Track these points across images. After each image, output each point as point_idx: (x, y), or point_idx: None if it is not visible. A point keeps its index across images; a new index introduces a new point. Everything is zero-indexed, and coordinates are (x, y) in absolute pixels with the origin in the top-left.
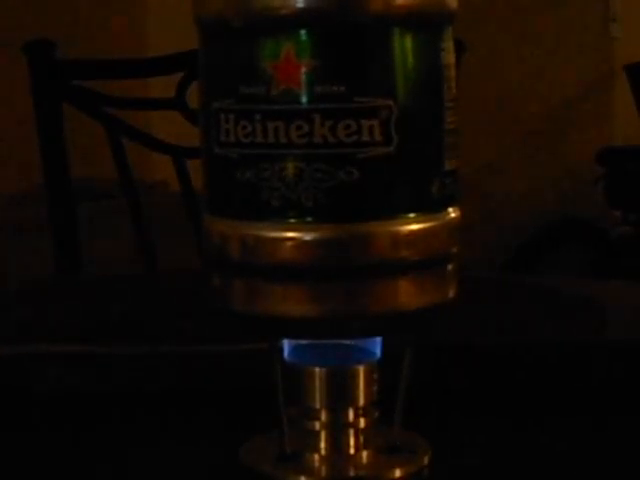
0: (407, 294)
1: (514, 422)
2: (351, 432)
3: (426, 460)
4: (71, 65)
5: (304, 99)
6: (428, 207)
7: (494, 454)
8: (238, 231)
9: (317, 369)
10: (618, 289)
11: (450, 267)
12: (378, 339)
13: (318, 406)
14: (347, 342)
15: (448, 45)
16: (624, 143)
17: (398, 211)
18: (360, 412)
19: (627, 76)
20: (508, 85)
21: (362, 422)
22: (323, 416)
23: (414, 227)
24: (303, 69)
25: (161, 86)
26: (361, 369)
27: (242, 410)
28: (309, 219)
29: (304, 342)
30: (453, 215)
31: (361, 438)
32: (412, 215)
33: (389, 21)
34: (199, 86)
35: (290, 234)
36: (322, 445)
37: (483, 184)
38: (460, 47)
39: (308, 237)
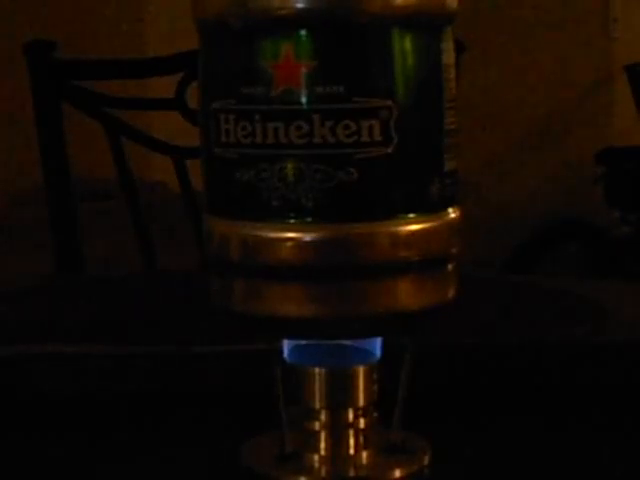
0: (407, 294)
1: (514, 421)
2: (351, 432)
3: (426, 460)
4: (71, 65)
5: (304, 99)
6: (428, 207)
7: (494, 454)
8: (238, 231)
9: (317, 369)
10: (618, 289)
11: (450, 267)
12: (378, 339)
13: (318, 406)
14: (347, 342)
15: (448, 45)
16: (624, 143)
17: (398, 211)
18: (360, 412)
19: (627, 76)
20: (508, 85)
21: (362, 422)
22: (323, 416)
23: (414, 227)
24: (303, 69)
25: (161, 86)
26: (361, 369)
27: (242, 410)
28: (309, 219)
29: (304, 342)
30: (453, 215)
31: (361, 438)
32: (412, 215)
33: (389, 21)
34: (199, 86)
35: (290, 234)
36: (322, 445)
37: (483, 184)
38: (460, 47)
39: (308, 237)
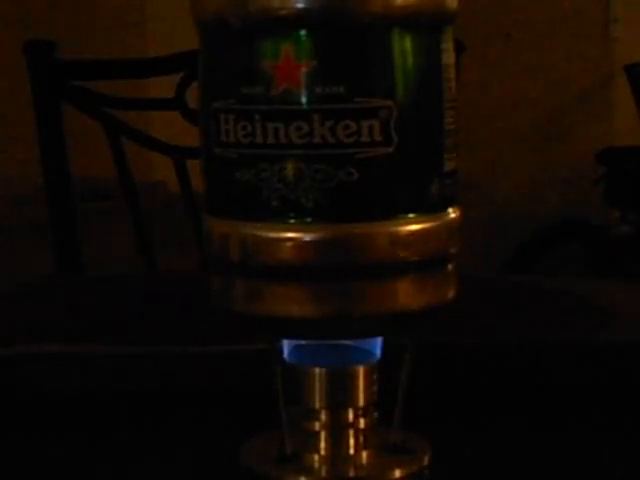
0: (407, 294)
1: (514, 421)
2: (351, 432)
3: (426, 460)
4: (71, 65)
5: (304, 99)
6: (428, 207)
7: (494, 454)
8: (238, 231)
9: (317, 369)
10: (618, 289)
11: (450, 267)
12: (378, 339)
13: (318, 406)
14: (347, 342)
15: (448, 45)
16: (624, 143)
17: (398, 211)
18: (360, 412)
19: (627, 76)
20: (508, 85)
21: (362, 422)
22: (323, 416)
23: (414, 227)
24: (303, 69)
25: (161, 86)
26: (361, 369)
27: (242, 410)
28: (309, 219)
29: (304, 342)
30: (453, 215)
31: (361, 438)
32: (412, 215)
33: (389, 21)
34: (199, 86)
35: (290, 234)
36: (322, 445)
37: (483, 184)
38: (459, 47)
39: (308, 237)
